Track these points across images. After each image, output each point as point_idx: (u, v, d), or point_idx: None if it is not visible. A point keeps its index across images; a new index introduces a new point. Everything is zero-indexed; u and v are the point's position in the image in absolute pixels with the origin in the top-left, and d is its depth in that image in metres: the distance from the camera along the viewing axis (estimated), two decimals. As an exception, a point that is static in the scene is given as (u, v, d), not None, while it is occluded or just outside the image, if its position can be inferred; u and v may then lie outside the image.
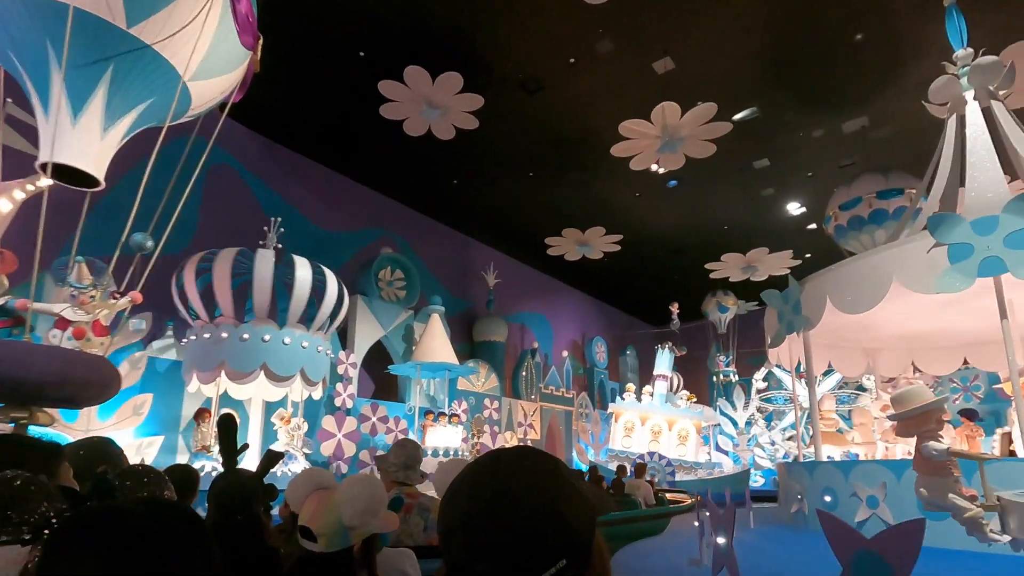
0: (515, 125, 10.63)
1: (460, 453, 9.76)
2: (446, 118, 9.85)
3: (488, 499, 0.73)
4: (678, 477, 12.57)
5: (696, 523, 4.88)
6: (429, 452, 9.49)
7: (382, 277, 11.06)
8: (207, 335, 7.17)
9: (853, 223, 10.78)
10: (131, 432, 7.00)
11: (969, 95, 6.17)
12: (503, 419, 12.26)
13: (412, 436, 10.11)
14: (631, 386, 14.67)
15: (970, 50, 6.41)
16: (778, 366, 15.57)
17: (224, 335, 7.11)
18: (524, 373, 13.48)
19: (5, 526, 1.01)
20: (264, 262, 7.37)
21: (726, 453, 16.14)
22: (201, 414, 7.32)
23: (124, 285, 4.80)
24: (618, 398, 14.57)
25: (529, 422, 13.15)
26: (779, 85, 9.67)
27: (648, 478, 8.28)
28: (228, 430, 1.55)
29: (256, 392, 8.02)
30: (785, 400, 15.93)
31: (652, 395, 14.53)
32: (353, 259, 10.81)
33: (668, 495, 7.00)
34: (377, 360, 10.95)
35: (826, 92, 9.83)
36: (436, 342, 10.40)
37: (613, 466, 12.36)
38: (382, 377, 11.12)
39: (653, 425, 14.14)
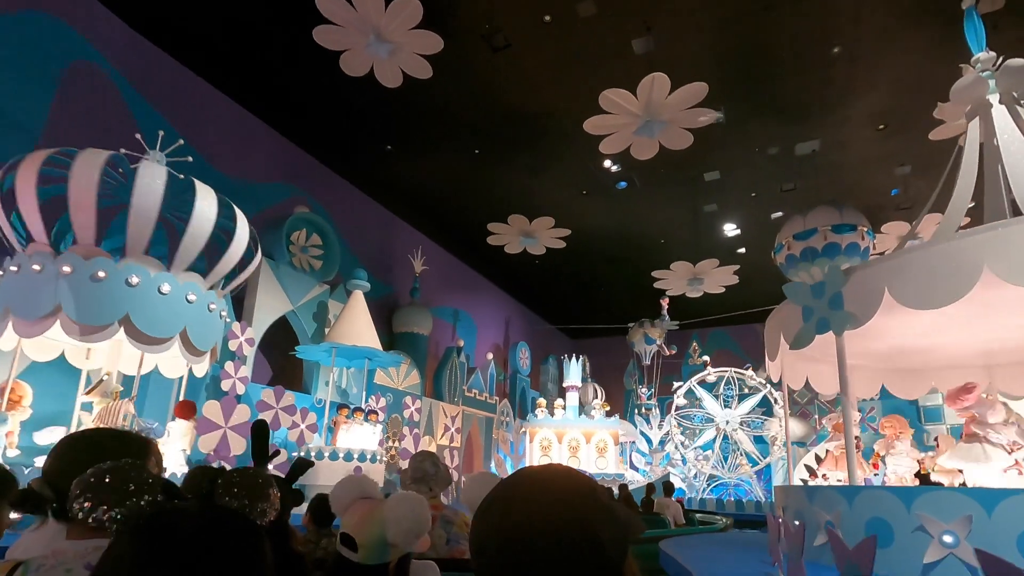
0: (470, 87, 9.26)
1: (377, 458, 8.03)
2: (395, 58, 8.22)
3: (522, 520, 0.73)
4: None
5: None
6: (341, 455, 7.68)
7: (295, 240, 9.11)
8: (36, 266, 4.94)
9: (806, 254, 10.54)
10: None
11: (994, 99, 5.74)
12: (423, 421, 10.61)
13: (319, 434, 8.21)
14: (542, 401, 13.58)
15: (992, 53, 6.05)
16: (703, 385, 15.48)
17: (66, 269, 4.94)
18: (448, 372, 11.94)
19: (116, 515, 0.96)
20: (150, 179, 5.33)
21: (637, 470, 15.61)
22: None
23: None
24: (531, 415, 13.46)
25: (456, 427, 11.58)
26: (749, 90, 9.10)
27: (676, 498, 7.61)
28: (261, 435, 1.52)
29: (109, 357, 5.87)
30: (703, 419, 15.76)
31: (564, 408, 13.60)
32: (258, 216, 8.76)
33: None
34: (280, 340, 8.94)
35: (790, 106, 9.43)
36: (358, 324, 8.66)
37: None
38: (283, 361, 9.10)
39: (570, 440, 13.17)
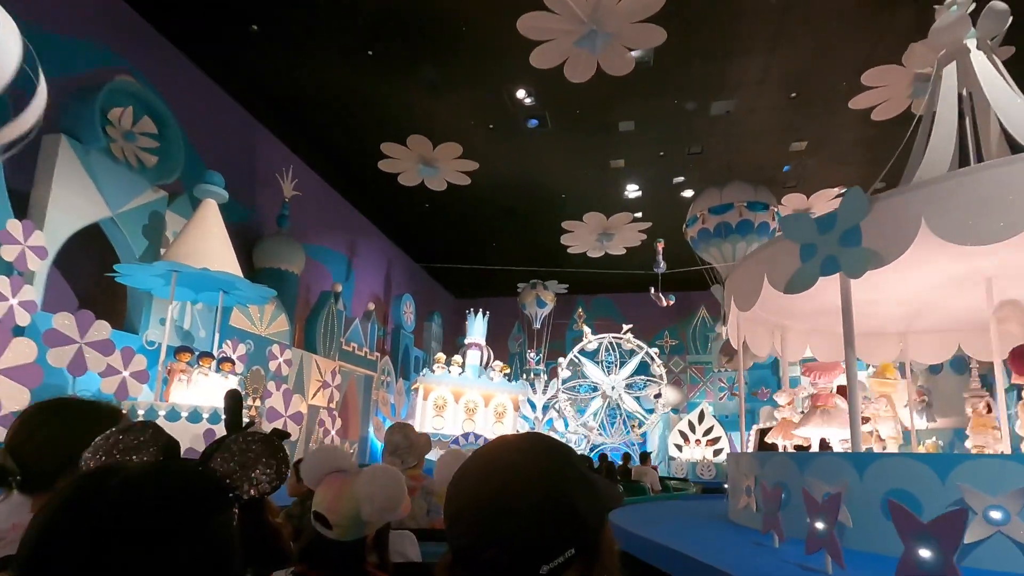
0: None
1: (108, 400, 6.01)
2: None
3: (497, 486, 0.71)
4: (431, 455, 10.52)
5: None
6: (184, 414, 5.58)
7: (115, 121, 6.51)
8: None
9: (720, 230, 10.22)
10: None
11: (972, 43, 5.30)
12: (292, 376, 8.56)
13: (151, 385, 5.98)
14: (441, 356, 12.26)
15: (972, -6, 5.59)
16: (584, 353, 15.02)
17: None
18: (323, 321, 9.89)
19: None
20: None
21: (520, 436, 14.90)
22: None
23: None
24: (426, 370, 11.97)
25: (336, 383, 9.60)
26: (686, 25, 7.96)
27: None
28: (235, 404, 1.38)
29: None
30: (588, 388, 15.45)
31: (463, 367, 12.35)
32: (62, 77, 6.04)
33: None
34: (91, 255, 6.40)
35: (717, 54, 8.60)
36: (210, 243, 6.47)
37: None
38: (96, 287, 6.55)
39: (468, 401, 11.92)
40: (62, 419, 1.24)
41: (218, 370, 6.44)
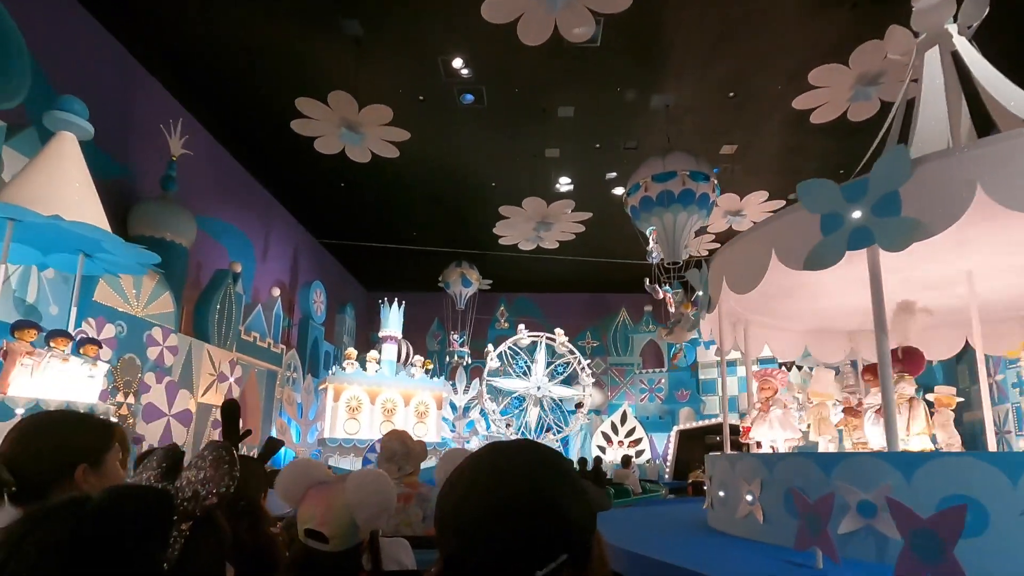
0: None
1: (94, 412, 4.55)
2: None
3: (486, 492, 0.71)
4: (426, 463, 9.43)
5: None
6: (20, 411, 4.10)
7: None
8: None
9: (663, 198, 9.85)
10: None
11: (953, 28, 5.19)
12: (178, 367, 6.97)
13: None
14: (352, 351, 10.97)
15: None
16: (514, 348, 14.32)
17: None
18: (219, 305, 8.30)
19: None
20: None
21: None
22: None
23: None
24: (336, 368, 10.63)
25: (235, 376, 8.01)
26: (639, 8, 7.29)
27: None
28: (231, 414, 1.38)
29: None
30: (517, 404, 14.81)
31: (379, 363, 11.14)
32: None
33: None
34: None
35: (664, 41, 8.20)
36: (68, 187, 4.98)
37: (330, 459, 8.62)
38: None
39: (385, 401, 10.73)
40: (55, 431, 1.25)
41: (77, 353, 4.91)
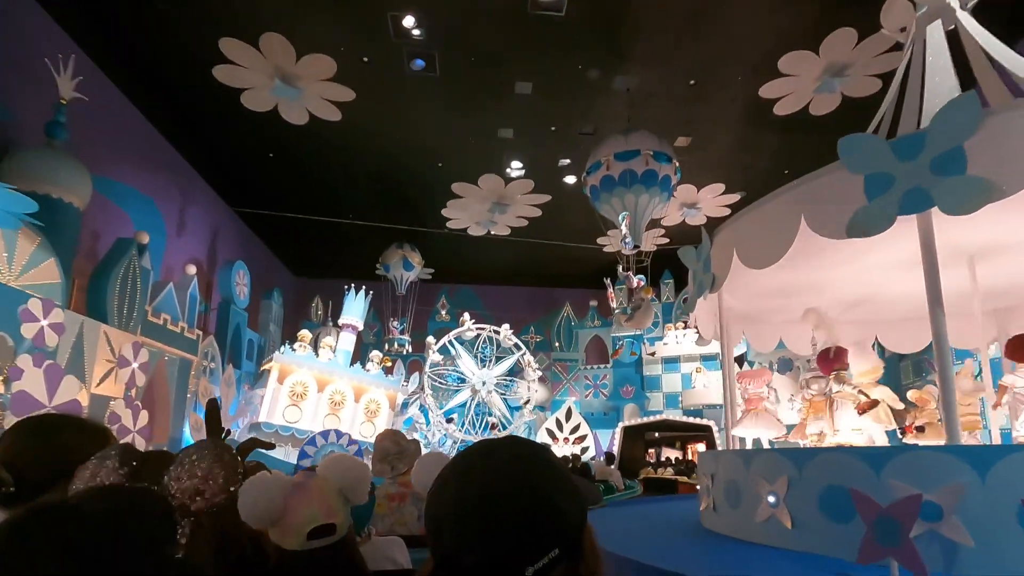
0: None
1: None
2: None
3: (478, 490, 0.71)
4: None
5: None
6: None
7: None
8: None
9: (625, 178, 9.37)
10: None
11: (955, 2, 5.01)
12: (66, 350, 5.65)
13: None
14: (305, 333, 9.85)
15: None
16: (459, 340, 13.54)
17: None
18: (119, 279, 6.94)
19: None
20: None
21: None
22: None
23: None
24: (286, 347, 9.46)
25: (140, 362, 6.68)
26: None
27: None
28: (214, 413, 1.47)
29: None
30: (457, 379, 13.96)
31: (334, 350, 10.07)
32: None
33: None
34: None
35: (631, 17, 7.66)
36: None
37: (258, 448, 7.50)
38: None
39: (334, 392, 9.66)
40: (51, 434, 1.28)
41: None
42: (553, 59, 8.55)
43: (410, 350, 13.96)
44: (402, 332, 13.75)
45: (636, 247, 9.32)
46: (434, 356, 12.91)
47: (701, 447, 14.25)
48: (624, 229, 8.83)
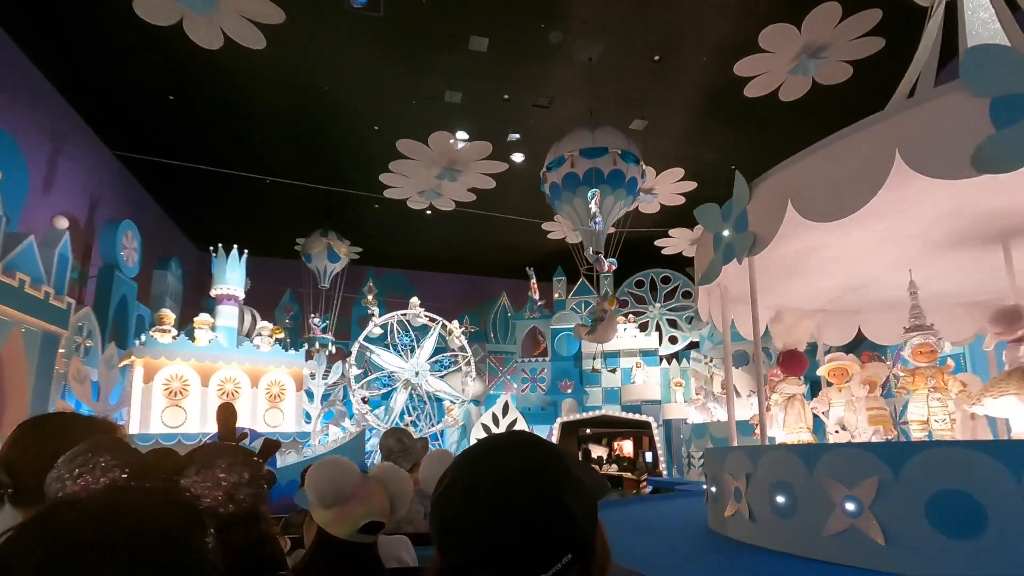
0: None
1: None
2: None
3: (488, 496, 0.69)
4: (283, 462, 7.05)
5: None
6: None
7: None
8: None
9: (590, 176, 8.56)
10: None
11: None
12: None
13: None
14: (167, 313, 8.01)
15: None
16: (371, 340, 12.33)
17: None
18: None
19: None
20: None
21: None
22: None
23: None
24: (145, 336, 7.71)
25: None
26: None
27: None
28: (227, 417, 1.50)
29: None
30: (386, 381, 12.80)
31: (214, 330, 8.37)
32: None
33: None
34: None
35: None
36: None
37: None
38: None
39: (224, 381, 8.07)
40: (56, 433, 1.23)
41: None
42: (513, 13, 7.61)
43: (333, 350, 12.54)
44: (324, 331, 12.26)
45: (597, 253, 8.53)
46: (353, 370, 11.71)
47: (628, 444, 13.92)
48: (594, 207, 7.99)
